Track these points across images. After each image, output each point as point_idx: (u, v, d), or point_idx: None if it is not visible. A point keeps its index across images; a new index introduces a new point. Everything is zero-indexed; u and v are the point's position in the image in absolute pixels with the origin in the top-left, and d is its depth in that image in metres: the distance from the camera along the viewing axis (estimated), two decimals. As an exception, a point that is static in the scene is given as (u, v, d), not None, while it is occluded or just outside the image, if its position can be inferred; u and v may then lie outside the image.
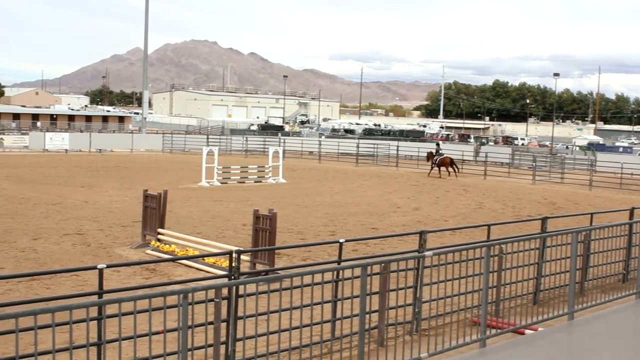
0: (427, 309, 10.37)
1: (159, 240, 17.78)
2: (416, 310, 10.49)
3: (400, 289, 9.86)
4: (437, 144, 50.48)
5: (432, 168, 44.85)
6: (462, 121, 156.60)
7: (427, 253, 9.32)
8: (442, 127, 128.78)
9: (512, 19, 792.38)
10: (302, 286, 7.79)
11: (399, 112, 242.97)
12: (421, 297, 10.41)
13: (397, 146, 54.13)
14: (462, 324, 9.71)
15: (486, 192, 35.59)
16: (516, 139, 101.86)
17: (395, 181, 40.10)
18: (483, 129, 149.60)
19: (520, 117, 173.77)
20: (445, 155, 45.32)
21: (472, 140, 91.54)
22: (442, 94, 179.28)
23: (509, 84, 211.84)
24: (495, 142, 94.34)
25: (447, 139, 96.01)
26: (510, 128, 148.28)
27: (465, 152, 55.66)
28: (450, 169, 43.96)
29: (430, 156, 46.01)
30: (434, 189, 35.85)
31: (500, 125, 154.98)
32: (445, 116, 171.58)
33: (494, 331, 9.43)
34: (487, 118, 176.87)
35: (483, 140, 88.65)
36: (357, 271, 8.09)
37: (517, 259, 11.58)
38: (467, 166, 48.61)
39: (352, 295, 8.59)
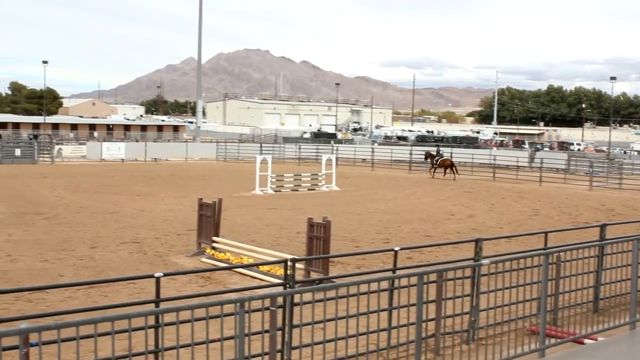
0: (484, 317, 10.24)
1: (213, 248, 17.91)
2: (472, 319, 10.37)
3: (457, 297, 9.77)
4: (438, 147, 52.44)
5: (434, 169, 47.61)
6: (516, 127, 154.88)
7: (484, 261, 9.21)
8: (496, 133, 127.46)
9: (566, 23, 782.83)
10: (358, 294, 7.76)
11: (451, 118, 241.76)
12: (478, 305, 10.29)
13: (451, 153, 53.69)
14: (519, 333, 9.57)
15: (542, 198, 35.09)
16: (572, 144, 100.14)
17: (448, 188, 39.79)
18: (538, 134, 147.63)
19: (575, 122, 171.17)
20: (445, 158, 48.37)
21: (526, 146, 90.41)
22: (496, 100, 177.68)
23: (564, 89, 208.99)
24: (551, 148, 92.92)
25: (501, 144, 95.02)
26: (565, 133, 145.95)
27: (520, 158, 55.01)
28: (449, 171, 46.62)
29: (430, 156, 49.18)
30: (488, 196, 35.48)
31: (555, 130, 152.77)
32: (499, 122, 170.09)
33: (552, 340, 9.26)
34: (541, 123, 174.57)
35: (538, 146, 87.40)
36: (413, 279, 8.03)
37: (576, 266, 11.37)
38: (522, 172, 48.03)
39: (408, 304, 8.53)
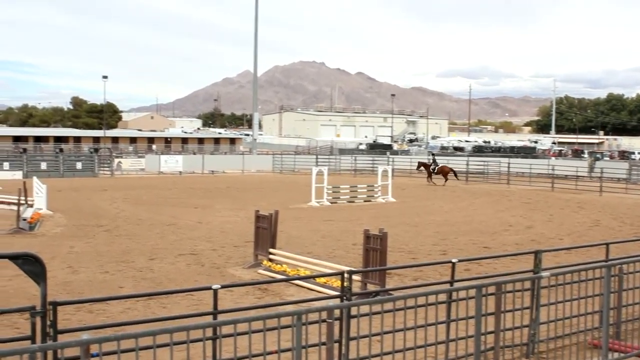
0: (544, 330, 10.06)
1: (270, 260, 17.95)
2: (532, 332, 10.20)
3: (516, 310, 9.62)
4: (433, 154, 55.91)
5: (430, 176, 50.43)
6: (575, 136, 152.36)
7: (544, 274, 9.06)
8: (554, 143, 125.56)
9: (626, 30, 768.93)
10: (416, 307, 7.70)
11: (508, 128, 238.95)
12: (538, 318, 10.12)
13: (508, 163, 53.12)
14: (581, 346, 9.39)
15: (602, 209, 34.42)
16: (633, 153, 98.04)
17: (506, 199, 39.33)
18: (597, 143, 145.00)
19: (636, 130, 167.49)
20: (442, 165, 51.47)
21: (585, 155, 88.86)
22: (554, 109, 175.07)
23: (625, 97, 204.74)
24: (611, 157, 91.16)
25: (559, 154, 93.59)
26: (626, 142, 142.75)
27: (579, 167, 54.04)
28: (449, 176, 49.78)
29: (424, 166, 51.87)
30: (547, 207, 34.94)
31: (615, 139, 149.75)
32: (558, 131, 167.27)
33: (615, 355, 9.06)
34: (601, 132, 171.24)
35: (598, 156, 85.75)
36: (471, 292, 7.94)
37: (639, 279, 11.11)
38: (582, 182, 47.20)
39: (467, 316, 8.42)
